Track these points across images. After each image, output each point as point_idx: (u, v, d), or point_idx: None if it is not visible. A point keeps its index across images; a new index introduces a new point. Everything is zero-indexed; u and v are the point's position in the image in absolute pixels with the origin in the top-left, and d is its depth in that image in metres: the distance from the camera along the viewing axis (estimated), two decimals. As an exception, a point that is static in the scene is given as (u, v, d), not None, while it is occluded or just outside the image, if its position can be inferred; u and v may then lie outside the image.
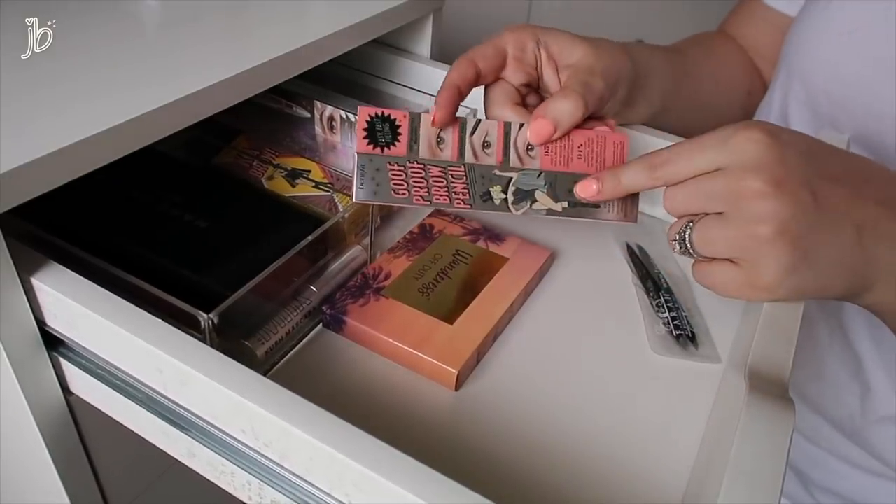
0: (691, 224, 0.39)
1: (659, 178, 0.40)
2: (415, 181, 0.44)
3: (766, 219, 0.36)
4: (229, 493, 0.38)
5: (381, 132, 0.43)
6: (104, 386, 0.40)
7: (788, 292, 0.37)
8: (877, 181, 0.39)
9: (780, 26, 0.68)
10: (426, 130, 0.44)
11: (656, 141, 0.55)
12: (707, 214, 0.39)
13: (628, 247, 0.56)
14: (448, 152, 0.44)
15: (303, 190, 0.54)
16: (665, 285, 0.52)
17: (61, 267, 0.39)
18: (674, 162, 0.40)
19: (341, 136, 0.59)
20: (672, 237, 0.41)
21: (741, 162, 0.37)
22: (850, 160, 0.40)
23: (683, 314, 0.49)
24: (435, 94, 0.61)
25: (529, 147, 0.45)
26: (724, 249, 0.38)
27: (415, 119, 0.44)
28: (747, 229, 0.36)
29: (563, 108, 0.43)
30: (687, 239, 0.40)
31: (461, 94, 0.45)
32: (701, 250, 0.39)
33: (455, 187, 0.44)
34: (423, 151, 0.44)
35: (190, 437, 0.38)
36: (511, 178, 0.44)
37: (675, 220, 0.41)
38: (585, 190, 0.43)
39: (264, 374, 0.38)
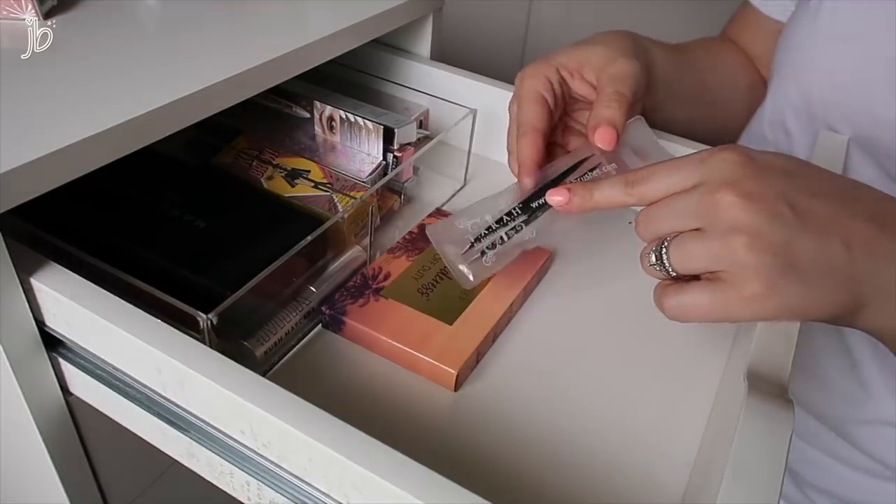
0: (666, 242, 0.38)
1: (634, 195, 0.40)
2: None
3: (740, 229, 0.35)
4: (228, 494, 0.38)
5: None
6: (103, 386, 0.40)
7: (777, 306, 0.36)
8: (866, 200, 0.38)
9: (776, 34, 0.68)
10: None
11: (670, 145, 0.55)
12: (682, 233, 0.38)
13: None
14: None
15: (302, 190, 0.54)
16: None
17: (61, 267, 0.39)
18: (650, 179, 0.39)
19: (341, 136, 0.59)
20: (648, 260, 0.39)
21: (715, 178, 0.37)
22: (836, 179, 0.39)
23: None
24: (435, 94, 0.61)
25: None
26: (704, 264, 0.37)
27: None
28: (723, 240, 0.36)
29: (611, 115, 0.46)
30: (665, 255, 0.38)
31: (543, 156, 0.48)
32: (679, 265, 0.38)
33: None
34: None
35: (189, 437, 0.38)
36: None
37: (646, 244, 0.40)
38: (555, 196, 0.43)
39: (263, 374, 0.38)
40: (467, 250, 0.45)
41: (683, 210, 0.37)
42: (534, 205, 0.46)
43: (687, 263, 0.38)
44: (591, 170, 0.47)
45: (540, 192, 0.46)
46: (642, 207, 0.40)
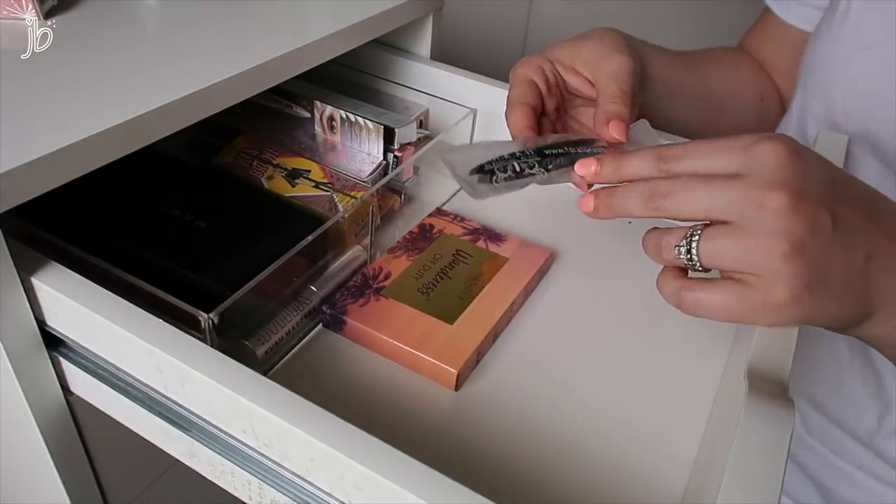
0: (699, 231, 0.37)
1: (665, 172, 0.38)
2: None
3: (784, 234, 0.34)
4: (229, 493, 0.38)
5: None
6: (104, 386, 0.40)
7: (797, 317, 0.35)
8: (888, 215, 0.38)
9: (797, 43, 0.67)
10: None
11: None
12: (711, 225, 0.37)
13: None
14: None
15: (303, 190, 0.54)
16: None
17: (61, 267, 0.39)
18: (687, 157, 0.37)
19: (341, 136, 0.59)
20: (674, 249, 0.38)
21: (763, 172, 0.35)
22: (865, 189, 0.39)
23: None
24: (435, 94, 0.61)
25: None
26: (735, 262, 0.36)
27: None
28: (763, 242, 0.34)
29: (619, 110, 0.46)
30: (694, 247, 0.37)
31: (535, 125, 0.48)
32: (707, 261, 0.37)
33: None
34: None
35: (190, 436, 0.38)
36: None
37: (676, 227, 0.38)
38: (584, 167, 0.42)
39: (264, 373, 0.38)
40: (475, 170, 0.44)
41: (724, 197, 0.35)
42: (547, 152, 0.44)
43: (716, 259, 0.36)
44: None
45: (555, 146, 0.45)
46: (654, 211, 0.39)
